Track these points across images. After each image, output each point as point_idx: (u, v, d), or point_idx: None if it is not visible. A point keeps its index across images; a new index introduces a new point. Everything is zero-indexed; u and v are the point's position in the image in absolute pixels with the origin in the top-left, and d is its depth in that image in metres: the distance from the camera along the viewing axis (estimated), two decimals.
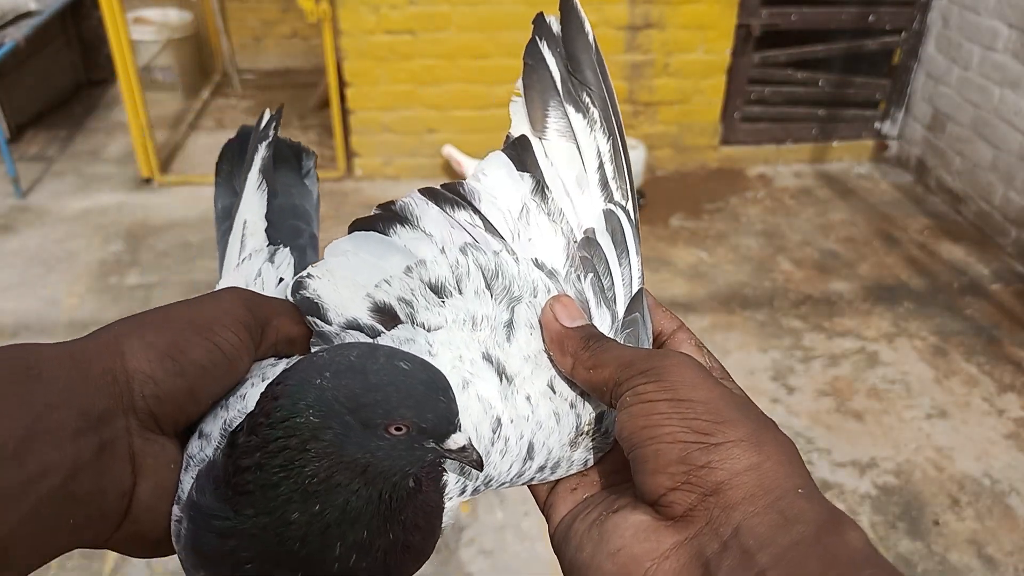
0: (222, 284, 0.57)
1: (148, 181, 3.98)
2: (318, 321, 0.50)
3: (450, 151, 3.92)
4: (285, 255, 0.59)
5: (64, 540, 0.38)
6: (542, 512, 0.49)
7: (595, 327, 0.49)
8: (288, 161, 0.68)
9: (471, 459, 0.41)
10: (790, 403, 2.67)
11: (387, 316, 0.50)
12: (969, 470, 2.43)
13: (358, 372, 0.39)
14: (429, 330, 0.49)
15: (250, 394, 0.45)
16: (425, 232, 0.53)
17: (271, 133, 0.65)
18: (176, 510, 0.43)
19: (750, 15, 3.89)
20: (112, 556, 2.11)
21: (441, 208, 0.54)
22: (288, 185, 0.66)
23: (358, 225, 0.54)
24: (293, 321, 0.50)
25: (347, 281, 0.51)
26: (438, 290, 0.50)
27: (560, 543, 0.45)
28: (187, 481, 0.43)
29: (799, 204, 3.93)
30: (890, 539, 2.21)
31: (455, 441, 0.40)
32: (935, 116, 3.99)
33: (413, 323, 0.50)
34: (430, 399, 0.39)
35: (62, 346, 0.41)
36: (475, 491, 0.48)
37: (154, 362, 0.42)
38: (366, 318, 0.50)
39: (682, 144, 4.14)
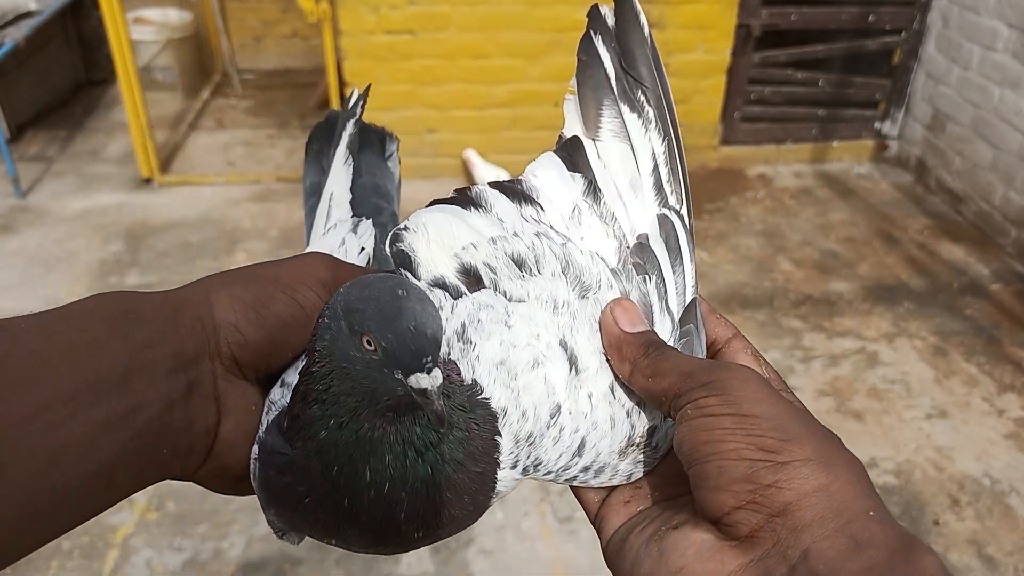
0: (308, 251, 0.59)
1: (148, 181, 3.98)
2: (408, 275, 0.51)
3: (469, 154, 3.91)
4: (367, 226, 0.61)
5: (159, 468, 0.42)
6: (592, 524, 0.48)
7: (655, 334, 0.48)
8: (373, 144, 0.71)
9: (432, 407, 0.40)
10: None
11: (472, 279, 0.51)
12: (969, 470, 2.43)
13: (364, 287, 0.42)
14: (510, 300, 0.50)
15: None
16: (498, 218, 0.53)
17: (358, 111, 0.67)
18: (254, 449, 0.47)
19: (750, 15, 3.89)
20: (112, 556, 2.11)
21: (510, 200, 0.54)
22: (372, 166, 0.69)
23: (435, 204, 0.55)
24: None
25: (437, 239, 0.52)
26: (520, 264, 0.51)
27: (614, 556, 0.44)
28: (267, 423, 0.47)
29: (799, 204, 3.93)
30: None
31: (418, 380, 0.39)
32: (935, 116, 3.99)
33: (496, 290, 0.50)
34: (399, 324, 0.39)
35: (158, 294, 0.44)
36: (525, 470, 0.47)
37: (239, 313, 0.45)
38: (452, 277, 0.51)
39: (682, 144, 4.13)
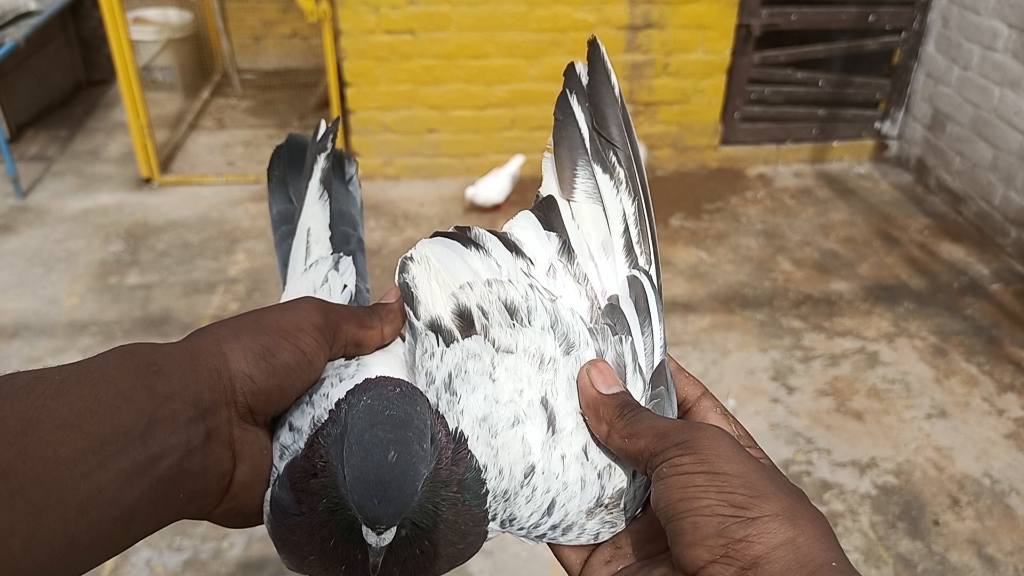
0: (289, 288, 0.62)
1: (148, 181, 3.98)
2: (411, 312, 0.53)
3: (516, 160, 3.83)
4: (348, 263, 0.62)
5: (175, 511, 0.44)
6: None
7: (630, 394, 0.50)
8: (332, 168, 0.70)
9: (371, 557, 0.43)
10: (790, 403, 2.67)
11: (466, 323, 0.52)
12: (969, 470, 2.43)
13: (371, 423, 0.43)
14: (498, 350, 0.51)
15: (331, 393, 0.51)
16: (496, 263, 0.54)
17: (329, 145, 0.66)
18: (268, 493, 0.49)
19: (750, 15, 3.89)
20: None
21: (506, 249, 0.55)
22: (335, 191, 0.68)
23: (437, 236, 0.56)
24: (358, 326, 0.54)
25: (438, 274, 0.54)
26: (512, 312, 0.52)
27: None
28: (281, 467, 0.49)
29: (799, 204, 3.93)
30: (890, 539, 2.21)
31: (367, 534, 0.42)
32: (935, 116, 3.99)
33: (485, 337, 0.51)
34: (370, 490, 0.42)
35: (175, 346, 0.47)
36: (502, 523, 0.49)
37: (251, 363, 0.48)
38: (447, 320, 0.52)
39: (682, 144, 4.14)
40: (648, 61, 3.91)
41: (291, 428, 0.50)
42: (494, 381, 0.50)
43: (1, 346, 2.87)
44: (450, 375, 0.50)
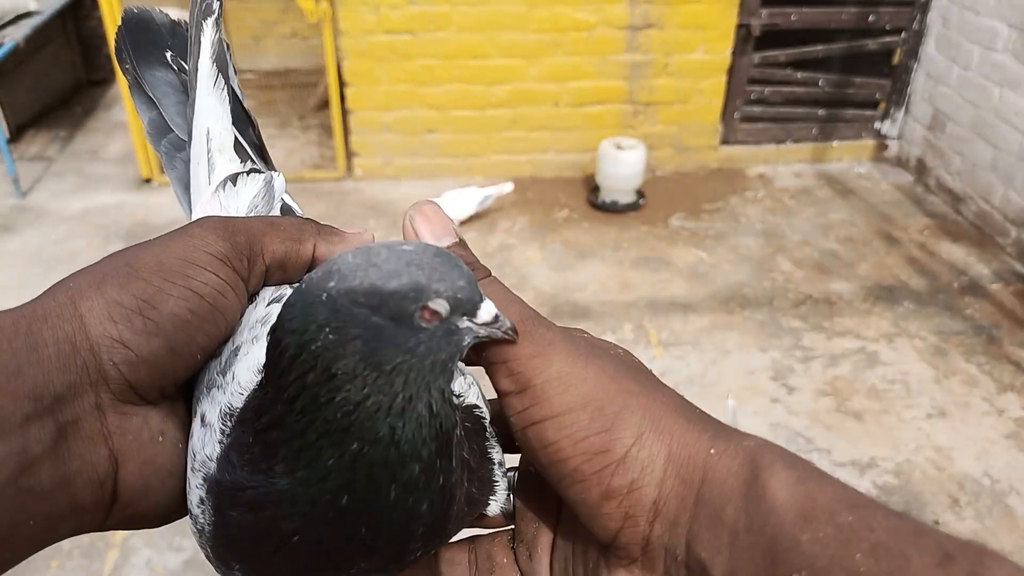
0: (196, 216, 0.47)
1: (148, 181, 3.98)
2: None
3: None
4: (282, 183, 0.49)
5: (34, 535, 0.33)
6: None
7: (465, 248, 0.41)
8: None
9: (504, 327, 0.35)
10: (790, 403, 2.67)
11: None
12: (969, 470, 2.43)
13: (366, 267, 0.33)
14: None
15: (260, 333, 0.39)
16: None
17: (216, 6, 0.48)
18: (195, 482, 0.37)
19: (750, 15, 3.89)
20: (112, 556, 2.11)
21: None
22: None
23: None
24: (279, 239, 0.41)
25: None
26: None
27: None
28: (205, 445, 0.37)
29: (799, 204, 3.93)
30: None
31: (487, 311, 0.34)
32: (935, 116, 3.99)
33: None
34: (453, 271, 0.34)
35: (7, 314, 0.34)
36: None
37: (121, 323, 0.35)
38: None
39: (682, 144, 4.14)
40: (648, 61, 3.91)
41: (204, 423, 0.38)
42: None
43: None
44: None
